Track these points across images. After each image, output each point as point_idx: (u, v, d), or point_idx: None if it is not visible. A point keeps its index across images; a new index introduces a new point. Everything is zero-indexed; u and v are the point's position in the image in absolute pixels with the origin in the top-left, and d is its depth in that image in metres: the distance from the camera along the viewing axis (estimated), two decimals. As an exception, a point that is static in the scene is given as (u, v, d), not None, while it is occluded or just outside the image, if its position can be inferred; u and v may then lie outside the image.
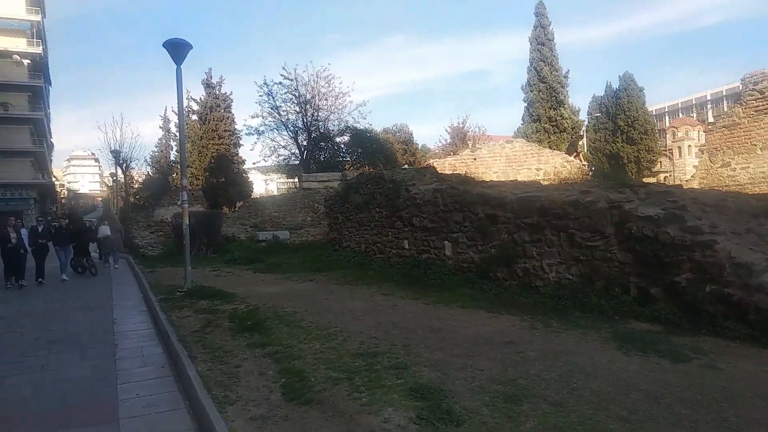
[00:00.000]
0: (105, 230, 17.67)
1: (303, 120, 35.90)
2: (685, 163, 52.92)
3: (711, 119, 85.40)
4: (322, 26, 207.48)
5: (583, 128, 43.04)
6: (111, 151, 33.61)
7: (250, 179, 48.63)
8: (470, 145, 40.75)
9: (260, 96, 35.66)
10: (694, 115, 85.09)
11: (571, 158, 24.65)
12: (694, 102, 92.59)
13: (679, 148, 57.27)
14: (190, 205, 12.10)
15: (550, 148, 30.41)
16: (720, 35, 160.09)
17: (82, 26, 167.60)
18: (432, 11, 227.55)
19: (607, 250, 7.60)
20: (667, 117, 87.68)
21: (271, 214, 25.68)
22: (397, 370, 5.12)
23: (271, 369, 5.43)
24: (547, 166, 22.73)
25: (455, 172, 14.49)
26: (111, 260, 17.40)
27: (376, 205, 13.40)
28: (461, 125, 46.54)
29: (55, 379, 5.80)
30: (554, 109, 40.73)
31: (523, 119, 43.19)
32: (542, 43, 41.59)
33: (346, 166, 35.17)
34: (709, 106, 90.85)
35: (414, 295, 9.28)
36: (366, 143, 35.27)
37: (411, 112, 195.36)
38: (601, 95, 43.51)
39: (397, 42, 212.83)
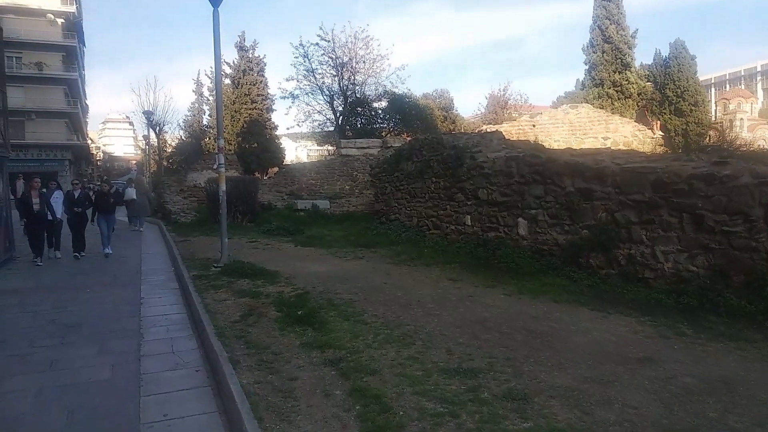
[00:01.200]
0: (131, 193, 17.29)
1: (339, 84, 34.33)
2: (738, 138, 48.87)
3: (760, 91, 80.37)
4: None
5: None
6: (143, 112, 32.72)
7: (282, 145, 47.58)
8: (506, 115, 38.40)
9: (296, 57, 34.14)
10: (742, 86, 79.93)
11: (643, 127, 22.37)
12: (743, 74, 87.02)
13: (731, 121, 52.85)
14: (225, 170, 10.80)
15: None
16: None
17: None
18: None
19: (751, 238, 5.97)
20: (713, 88, 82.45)
21: (308, 182, 24.44)
22: (515, 403, 3.71)
23: (338, 387, 4.11)
24: (615, 135, 20.43)
25: (521, 140, 12.77)
26: (137, 223, 17.45)
27: (433, 174, 11.84)
28: (502, 93, 44.00)
29: (63, 383, 4.61)
30: (619, 72, 36.77)
31: (583, 84, 39.78)
32: None
33: (383, 132, 33.52)
34: (759, 77, 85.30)
35: (488, 282, 7.82)
36: (405, 109, 33.48)
37: (443, 80, 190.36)
38: (649, 63, 40.25)
39: (429, 8, 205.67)
